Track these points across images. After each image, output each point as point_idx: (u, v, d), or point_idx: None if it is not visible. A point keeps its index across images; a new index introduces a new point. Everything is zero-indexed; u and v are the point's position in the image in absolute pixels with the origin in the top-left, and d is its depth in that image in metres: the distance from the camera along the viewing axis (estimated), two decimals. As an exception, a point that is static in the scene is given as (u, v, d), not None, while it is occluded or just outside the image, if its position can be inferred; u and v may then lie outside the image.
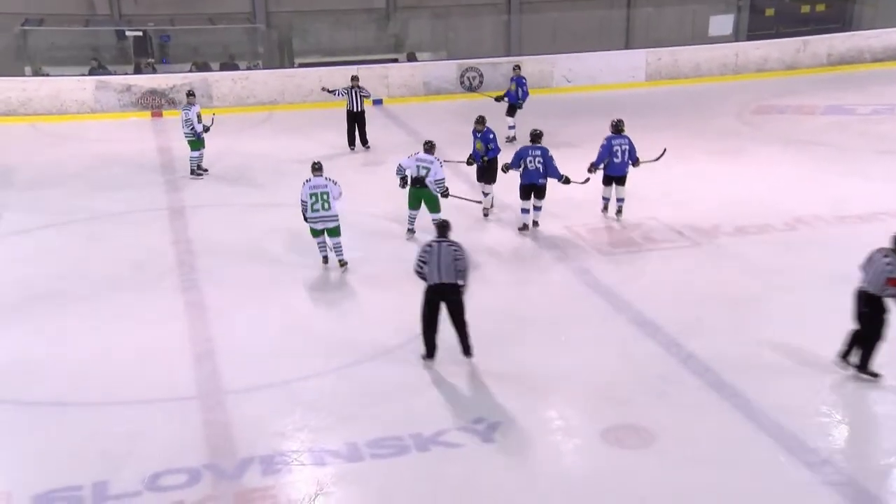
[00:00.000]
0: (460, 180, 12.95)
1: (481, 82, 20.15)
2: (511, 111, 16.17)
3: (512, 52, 22.73)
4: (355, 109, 15.85)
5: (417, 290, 10.19)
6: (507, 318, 9.26)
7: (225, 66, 21.18)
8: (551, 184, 11.56)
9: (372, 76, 19.27)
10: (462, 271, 8.13)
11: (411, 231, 11.67)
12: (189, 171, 14.47)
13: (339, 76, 17.92)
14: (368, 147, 16.03)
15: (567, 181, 11.51)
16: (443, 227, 8.43)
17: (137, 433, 7.45)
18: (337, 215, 10.58)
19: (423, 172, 11.20)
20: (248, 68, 21.35)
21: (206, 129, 14.34)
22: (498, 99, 16.36)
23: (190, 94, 14.72)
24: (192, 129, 14.17)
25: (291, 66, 22.53)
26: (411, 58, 22.71)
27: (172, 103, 18.93)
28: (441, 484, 6.83)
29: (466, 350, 8.37)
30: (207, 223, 12.53)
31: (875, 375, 7.91)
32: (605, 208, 12.31)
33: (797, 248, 11.06)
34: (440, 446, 7.21)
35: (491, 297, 9.63)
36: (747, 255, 10.91)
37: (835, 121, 17.34)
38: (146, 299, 10.03)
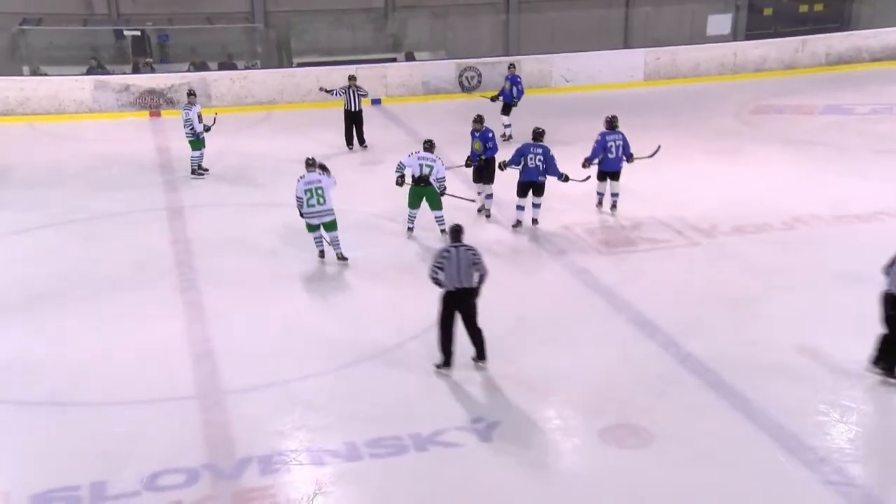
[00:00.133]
0: (459, 180, 12.95)
1: (480, 82, 20.16)
2: (506, 109, 16.27)
3: (510, 52, 22.73)
4: (353, 109, 15.86)
5: (416, 289, 10.19)
6: (506, 317, 9.25)
7: (223, 66, 21.17)
8: (548, 180, 11.59)
9: (370, 76, 19.27)
10: (481, 276, 8.05)
11: (411, 230, 11.68)
12: (190, 170, 14.47)
13: (337, 76, 17.93)
14: (366, 146, 16.04)
15: (566, 179, 11.58)
16: (457, 232, 8.19)
17: (136, 433, 7.45)
18: (332, 209, 10.65)
19: (426, 171, 11.23)
20: (247, 68, 21.34)
21: (207, 129, 14.34)
22: (493, 98, 16.45)
23: (191, 94, 14.70)
24: (191, 129, 14.17)
25: (290, 65, 22.51)
26: (410, 57, 22.71)
27: (171, 103, 18.93)
28: (440, 483, 6.83)
29: (482, 355, 8.28)
30: (206, 223, 12.53)
31: None
32: (600, 203, 12.45)
33: (796, 248, 11.07)
34: (439, 446, 7.21)
35: (490, 297, 9.60)
36: (746, 254, 10.92)
37: (833, 120, 17.36)
38: (145, 299, 10.02)
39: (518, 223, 11.86)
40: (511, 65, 17.27)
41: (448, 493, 6.74)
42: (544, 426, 7.58)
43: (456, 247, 8.05)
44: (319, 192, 10.49)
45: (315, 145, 15.66)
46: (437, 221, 11.59)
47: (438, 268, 7.99)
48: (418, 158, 11.33)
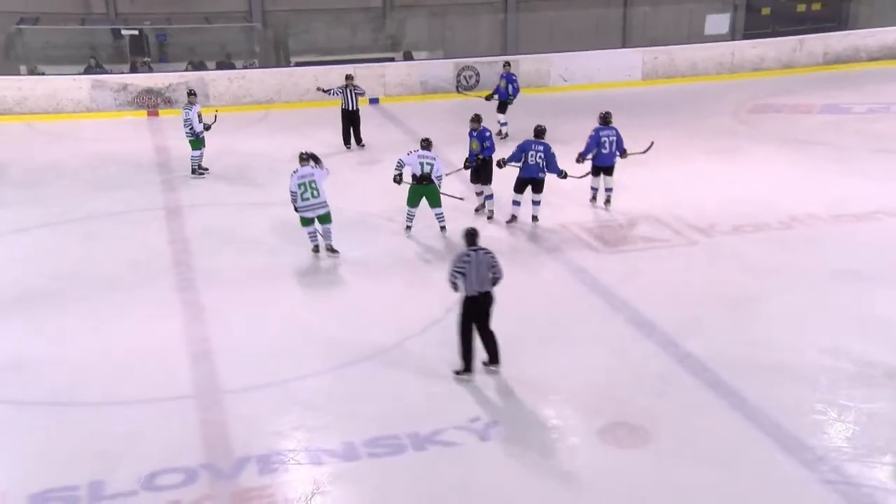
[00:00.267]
0: (459, 181, 12.93)
1: (478, 81, 20.15)
2: (502, 108, 16.33)
3: (509, 51, 22.72)
4: (350, 108, 15.86)
5: (415, 289, 10.22)
6: (504, 316, 9.19)
7: (221, 65, 21.15)
8: (547, 177, 11.64)
9: (369, 75, 19.27)
10: (497, 279, 7.98)
11: (409, 228, 11.67)
12: (190, 170, 14.46)
13: (335, 75, 17.93)
14: (363, 146, 16.04)
15: (565, 176, 11.67)
16: (473, 236, 8.00)
17: (134, 433, 7.44)
18: (326, 202, 10.74)
19: (427, 169, 11.26)
20: (245, 67, 21.33)
21: (207, 128, 14.33)
22: (488, 98, 16.55)
23: (191, 93, 14.67)
24: (191, 129, 14.16)
25: (288, 65, 22.51)
26: (408, 57, 22.72)
27: (169, 102, 18.92)
28: (438, 483, 6.83)
29: (496, 359, 8.19)
30: (204, 222, 12.51)
31: None
32: (594, 198, 12.59)
33: (793, 247, 11.08)
34: (437, 445, 7.21)
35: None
36: (744, 253, 10.92)
37: (831, 120, 17.37)
38: (144, 299, 10.01)
39: (513, 218, 11.93)
40: (506, 63, 17.31)
41: (446, 492, 6.74)
42: (543, 425, 7.58)
43: (475, 250, 7.92)
44: (313, 185, 10.60)
45: (313, 144, 15.58)
46: (437, 219, 11.60)
47: (460, 272, 7.83)
48: (418, 157, 11.33)
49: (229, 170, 14.85)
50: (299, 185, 10.58)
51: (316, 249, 10.99)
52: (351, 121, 15.97)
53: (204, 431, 7.49)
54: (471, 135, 12.22)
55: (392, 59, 22.20)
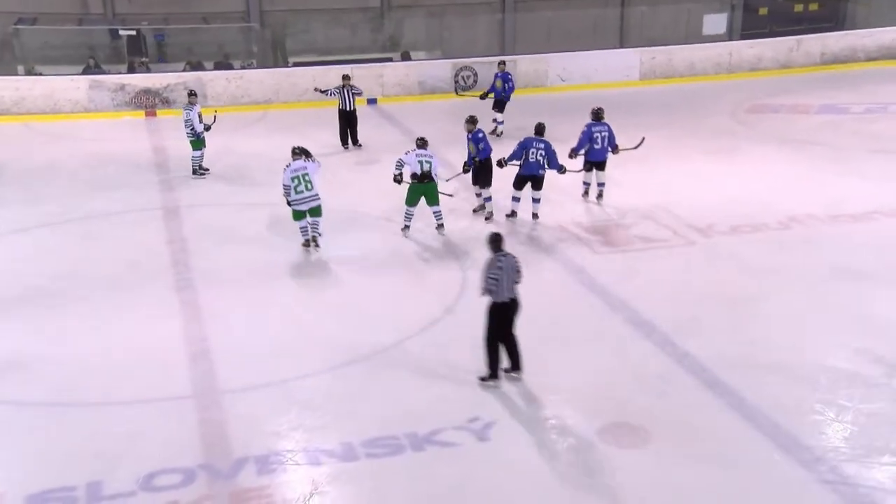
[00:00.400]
0: (460, 183, 12.90)
1: (475, 81, 20.14)
2: (500, 106, 16.36)
3: (506, 52, 22.72)
4: (347, 108, 15.86)
5: (414, 288, 10.21)
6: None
7: (219, 66, 21.14)
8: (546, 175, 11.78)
9: (367, 75, 19.25)
10: (518, 283, 7.94)
11: (407, 228, 11.67)
12: (191, 170, 14.45)
13: (333, 75, 17.90)
14: (360, 146, 16.03)
15: (564, 171, 11.89)
16: (499, 241, 7.89)
17: (133, 433, 7.43)
18: (318, 195, 10.93)
19: (426, 167, 11.31)
20: (243, 67, 21.30)
21: (207, 129, 14.33)
22: (483, 97, 16.64)
23: (191, 94, 14.66)
24: (192, 129, 14.15)
25: (286, 65, 22.49)
26: (406, 57, 22.71)
27: (166, 102, 18.90)
28: (437, 484, 6.83)
29: (518, 365, 8.09)
30: (203, 222, 12.51)
31: None
32: (586, 193, 12.80)
33: (791, 247, 11.09)
34: (436, 445, 7.21)
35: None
36: (742, 254, 10.93)
37: (828, 120, 17.39)
38: (142, 299, 10.00)
39: (513, 213, 12.06)
40: (501, 62, 17.41)
41: (445, 493, 6.74)
42: (542, 425, 7.58)
43: (504, 255, 7.85)
44: (306, 177, 10.83)
45: (310, 144, 15.48)
46: (434, 217, 11.62)
47: (496, 279, 7.72)
48: (416, 156, 11.36)
49: (227, 170, 14.84)
50: (293, 179, 10.77)
51: (307, 244, 11.12)
52: (348, 121, 15.96)
53: (202, 431, 7.49)
54: (468, 137, 12.22)
55: (390, 60, 22.18)
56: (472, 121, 12.15)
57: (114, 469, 6.94)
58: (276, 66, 22.41)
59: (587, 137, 12.35)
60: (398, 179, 11.53)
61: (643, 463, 6.97)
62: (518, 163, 11.73)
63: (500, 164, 11.88)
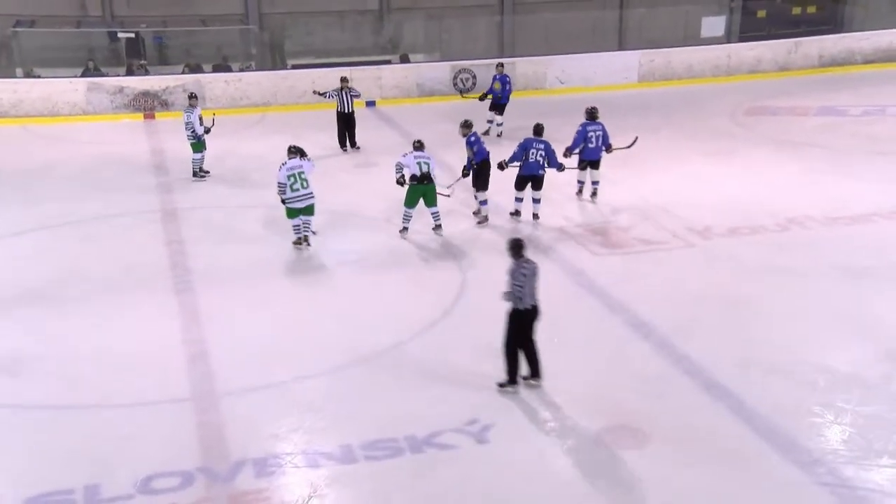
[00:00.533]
0: (460, 187, 12.90)
1: (474, 83, 20.14)
2: (499, 109, 16.37)
3: (505, 54, 22.73)
4: (346, 111, 15.86)
5: (413, 290, 10.19)
6: (501, 319, 9.23)
7: (218, 68, 21.11)
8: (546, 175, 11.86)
9: (365, 77, 19.25)
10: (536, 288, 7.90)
11: (406, 230, 11.67)
12: (191, 173, 14.44)
13: (332, 77, 17.85)
14: (358, 148, 16.02)
15: (563, 169, 12.07)
16: (521, 247, 7.82)
17: (130, 436, 7.42)
18: (313, 193, 11.03)
19: (425, 168, 11.35)
20: (241, 70, 21.29)
21: (208, 131, 14.32)
22: (482, 98, 16.72)
23: (192, 96, 14.65)
24: (192, 131, 14.14)
25: (284, 67, 22.48)
26: (404, 59, 22.69)
27: (165, 105, 18.90)
28: (436, 486, 6.82)
29: (538, 372, 8.03)
30: (201, 224, 12.50)
31: None
32: (580, 191, 12.97)
33: (790, 249, 11.09)
34: (434, 448, 7.20)
35: (486, 298, 9.59)
36: (740, 255, 10.94)
37: (827, 122, 17.40)
38: (140, 301, 9.99)
39: (517, 212, 12.15)
40: (499, 64, 17.43)
41: (444, 495, 6.73)
42: (541, 427, 7.57)
43: (528, 262, 7.79)
44: (302, 175, 10.97)
45: (309, 147, 15.47)
46: (433, 217, 11.63)
47: (521, 286, 7.66)
48: (414, 158, 11.40)
49: (226, 172, 14.83)
50: (289, 177, 10.90)
51: (298, 242, 11.19)
52: (346, 123, 15.96)
53: (201, 434, 7.48)
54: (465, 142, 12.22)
55: (388, 62, 22.19)
56: (465, 125, 12.14)
57: (112, 472, 6.93)
58: (274, 68, 22.40)
59: (582, 136, 12.53)
60: (401, 181, 11.54)
61: (642, 464, 6.96)
62: (519, 164, 11.81)
63: (501, 166, 11.90)
